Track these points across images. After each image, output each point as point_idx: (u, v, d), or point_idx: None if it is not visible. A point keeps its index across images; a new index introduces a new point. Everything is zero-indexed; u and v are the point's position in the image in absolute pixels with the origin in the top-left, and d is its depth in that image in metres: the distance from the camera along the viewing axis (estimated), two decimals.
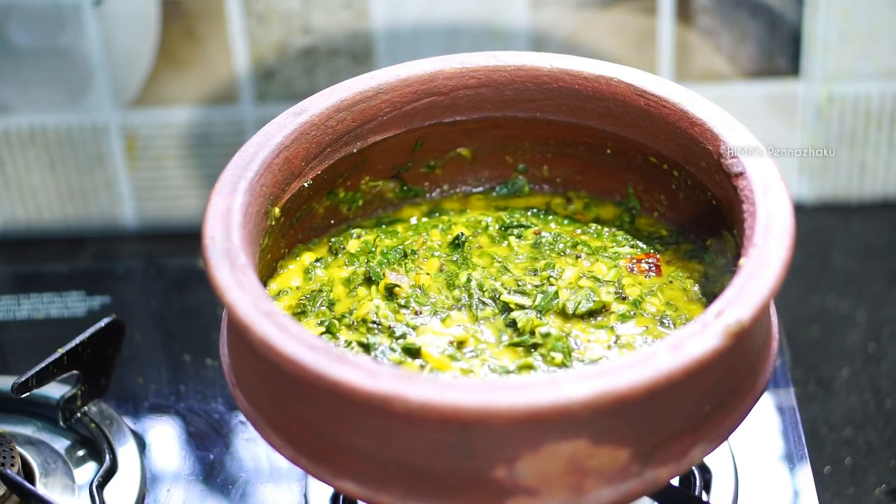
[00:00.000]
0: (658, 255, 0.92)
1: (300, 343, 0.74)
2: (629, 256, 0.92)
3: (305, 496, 0.97)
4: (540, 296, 0.87)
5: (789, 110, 1.23)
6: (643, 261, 0.92)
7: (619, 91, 0.92)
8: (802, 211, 1.24)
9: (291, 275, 0.92)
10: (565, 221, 0.97)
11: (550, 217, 0.97)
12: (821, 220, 1.26)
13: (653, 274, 0.91)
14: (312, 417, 0.78)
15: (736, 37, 1.20)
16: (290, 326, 0.76)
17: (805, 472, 0.97)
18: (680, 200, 0.94)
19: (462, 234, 0.94)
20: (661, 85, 0.91)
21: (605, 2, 1.20)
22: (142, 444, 1.01)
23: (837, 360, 1.12)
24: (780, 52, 1.21)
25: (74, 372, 1.00)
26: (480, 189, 1.00)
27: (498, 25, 1.21)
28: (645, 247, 0.93)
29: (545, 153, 0.98)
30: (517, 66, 0.94)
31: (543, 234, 0.94)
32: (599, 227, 0.95)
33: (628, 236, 0.94)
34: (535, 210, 0.98)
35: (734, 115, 0.89)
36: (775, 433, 1.00)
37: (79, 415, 1.01)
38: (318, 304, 0.89)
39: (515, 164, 0.99)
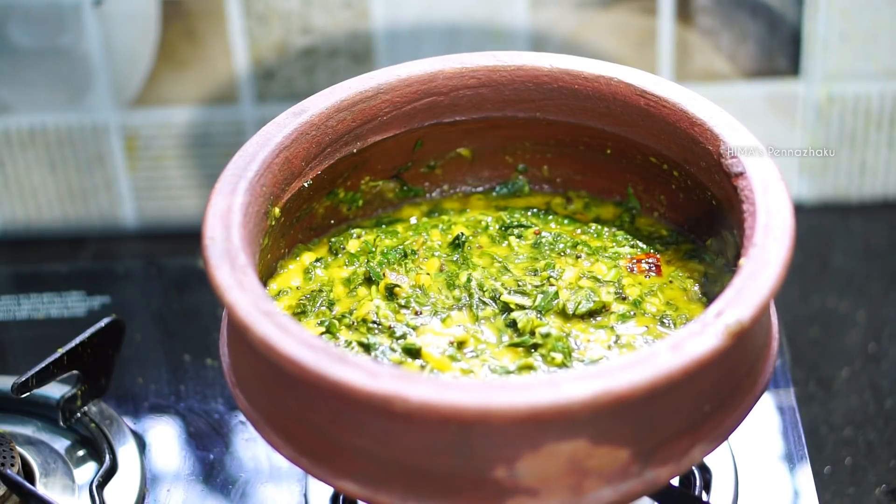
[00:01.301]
0: (658, 255, 0.92)
1: (300, 343, 0.74)
2: (629, 256, 0.92)
3: (305, 496, 0.97)
4: (540, 296, 0.87)
5: (789, 110, 1.23)
6: (643, 261, 0.91)
7: (619, 91, 0.92)
8: (802, 211, 1.24)
9: (291, 275, 0.92)
10: (565, 221, 0.97)
11: (550, 217, 0.97)
12: (821, 220, 1.26)
13: (653, 274, 0.90)
14: (312, 417, 0.78)
15: (736, 37, 1.20)
16: (290, 326, 0.75)
17: (805, 472, 0.97)
18: (680, 200, 0.94)
19: (462, 234, 0.94)
20: (661, 85, 0.91)
21: (605, 2, 1.20)
22: (142, 444, 1.01)
23: (837, 360, 1.12)
24: (780, 52, 1.21)
25: (74, 372, 1.00)
26: (480, 189, 1.00)
27: (498, 25, 1.20)
28: (645, 247, 0.93)
29: (545, 153, 0.98)
30: (517, 66, 0.94)
31: (543, 234, 0.94)
32: (599, 227, 0.95)
33: (628, 236, 0.94)
34: (534, 210, 0.98)
35: (734, 115, 0.89)
36: (775, 433, 1.00)
37: (79, 415, 1.01)
38: (318, 304, 0.89)
39: (515, 164, 0.99)
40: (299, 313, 0.88)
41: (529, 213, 0.97)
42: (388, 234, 0.95)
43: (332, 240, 0.95)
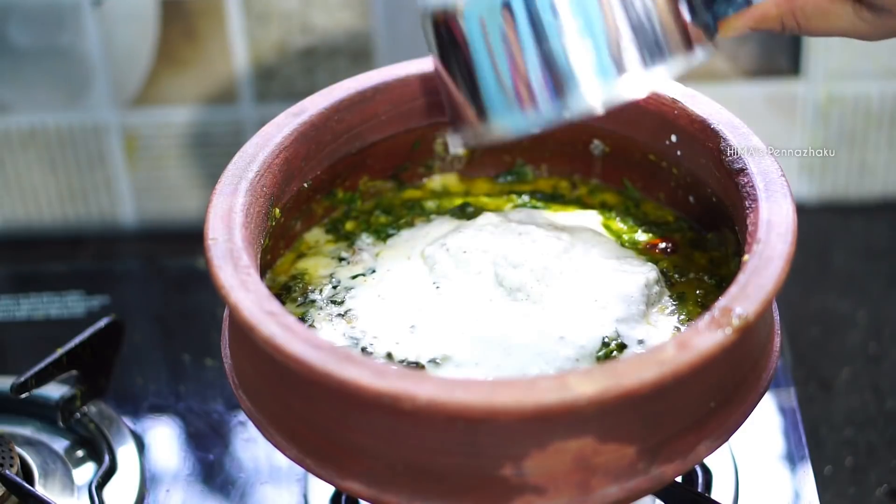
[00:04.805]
0: (671, 239, 0.92)
1: (306, 342, 0.74)
2: (644, 239, 0.92)
3: (305, 496, 0.97)
4: None
5: (789, 110, 1.23)
6: (657, 245, 0.92)
7: None
8: (802, 211, 1.23)
9: (287, 267, 0.92)
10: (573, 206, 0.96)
11: (558, 201, 0.96)
12: (821, 220, 1.26)
13: (671, 254, 0.91)
14: (318, 417, 0.77)
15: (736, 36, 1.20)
16: (295, 326, 0.75)
17: (806, 473, 0.97)
18: (678, 198, 0.94)
19: (468, 204, 0.94)
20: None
21: None
22: (141, 445, 1.01)
23: (838, 360, 1.12)
24: (781, 51, 1.21)
25: (73, 372, 1.00)
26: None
27: None
28: (653, 234, 0.93)
29: (543, 152, 0.98)
30: None
31: None
32: (607, 212, 0.95)
33: (638, 221, 0.94)
34: (542, 194, 0.97)
35: (734, 115, 0.89)
36: (776, 433, 1.00)
37: (78, 415, 1.01)
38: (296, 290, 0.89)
39: (513, 162, 0.99)
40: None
41: (538, 196, 0.97)
42: (384, 212, 0.95)
43: (328, 225, 0.95)
